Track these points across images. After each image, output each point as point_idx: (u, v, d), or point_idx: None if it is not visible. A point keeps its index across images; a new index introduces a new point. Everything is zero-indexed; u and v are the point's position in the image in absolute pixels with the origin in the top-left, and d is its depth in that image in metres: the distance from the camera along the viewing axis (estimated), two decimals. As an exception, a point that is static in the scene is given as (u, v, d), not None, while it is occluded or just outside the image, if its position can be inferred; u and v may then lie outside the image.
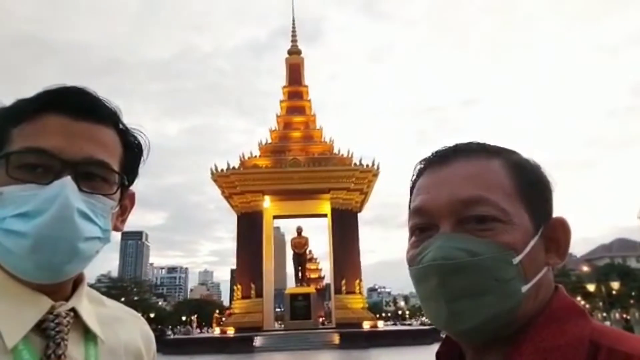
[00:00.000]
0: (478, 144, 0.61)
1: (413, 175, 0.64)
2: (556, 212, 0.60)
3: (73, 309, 0.66)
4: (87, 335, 0.67)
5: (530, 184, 0.58)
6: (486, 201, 0.56)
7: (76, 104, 0.65)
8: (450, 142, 0.63)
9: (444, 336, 0.63)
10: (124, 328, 0.74)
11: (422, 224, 0.59)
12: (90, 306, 0.71)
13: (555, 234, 0.58)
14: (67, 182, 0.61)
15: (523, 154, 0.62)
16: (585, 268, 40.19)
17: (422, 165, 0.63)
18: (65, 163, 0.62)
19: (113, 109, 0.69)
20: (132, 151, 0.72)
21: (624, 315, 45.11)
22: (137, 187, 0.76)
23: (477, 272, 0.53)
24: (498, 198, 0.56)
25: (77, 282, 0.70)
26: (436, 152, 0.62)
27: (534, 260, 0.55)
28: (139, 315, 0.82)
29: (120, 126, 0.70)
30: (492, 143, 0.62)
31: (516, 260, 0.54)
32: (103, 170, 0.65)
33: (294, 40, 34.02)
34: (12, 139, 0.64)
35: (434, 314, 0.56)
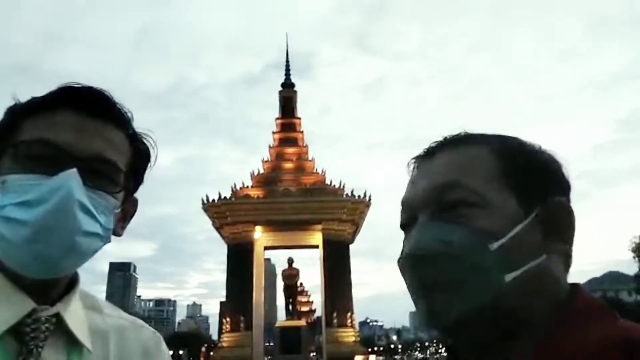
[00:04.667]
0: (466, 134, 0.59)
1: (408, 174, 0.61)
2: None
3: (57, 315, 0.62)
4: (74, 344, 0.64)
5: (520, 167, 0.54)
6: (462, 185, 0.53)
7: (90, 102, 0.65)
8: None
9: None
10: (122, 338, 0.71)
11: (406, 220, 0.57)
12: (83, 313, 0.68)
13: (554, 217, 0.53)
14: (72, 174, 0.60)
15: (519, 139, 0.58)
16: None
17: (413, 163, 0.61)
18: (73, 157, 0.62)
19: (126, 112, 0.69)
20: (140, 157, 0.71)
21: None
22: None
23: (451, 261, 0.50)
24: (477, 182, 0.53)
25: (71, 285, 0.67)
26: (426, 147, 0.60)
27: (523, 246, 0.50)
28: (143, 323, 0.77)
29: (131, 131, 0.70)
30: (485, 132, 0.60)
31: (494, 246, 0.49)
32: (110, 169, 0.65)
33: (287, 74, 34.55)
34: (23, 130, 0.64)
35: (417, 310, 0.53)
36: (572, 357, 0.45)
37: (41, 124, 0.64)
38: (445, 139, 0.59)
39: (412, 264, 0.52)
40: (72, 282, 0.69)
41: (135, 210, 0.74)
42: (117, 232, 0.71)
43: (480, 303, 0.49)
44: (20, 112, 0.66)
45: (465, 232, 0.50)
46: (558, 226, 0.53)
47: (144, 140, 0.73)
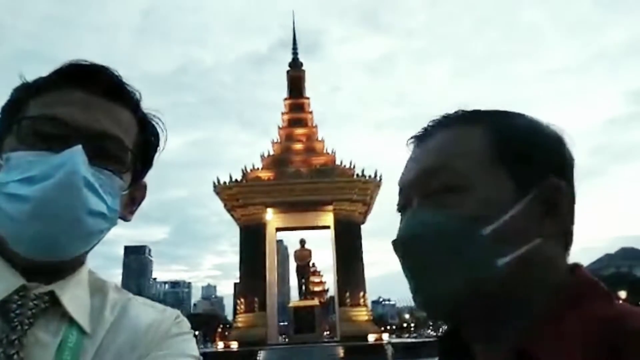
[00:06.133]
0: (462, 112, 0.57)
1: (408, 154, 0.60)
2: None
3: (52, 294, 0.60)
4: (70, 324, 0.61)
5: (516, 146, 0.52)
6: (450, 169, 0.52)
7: (97, 80, 0.64)
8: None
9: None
10: (122, 315, 0.67)
11: (402, 203, 0.57)
12: (88, 296, 0.65)
13: (551, 199, 0.50)
14: (77, 151, 0.59)
15: (518, 115, 0.56)
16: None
17: (412, 143, 0.59)
18: (79, 133, 0.60)
19: (134, 92, 0.67)
20: (149, 139, 0.69)
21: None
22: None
23: (435, 247, 0.49)
24: (466, 165, 0.51)
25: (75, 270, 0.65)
26: (423, 127, 0.58)
27: (517, 230, 0.49)
28: (156, 304, 0.74)
29: (139, 112, 0.68)
30: (482, 108, 0.58)
31: (486, 231, 0.48)
32: (116, 147, 0.63)
33: (294, 53, 34.23)
34: (30, 107, 0.63)
35: (412, 294, 0.53)
36: (557, 340, 0.44)
37: (47, 100, 0.62)
38: (442, 117, 0.57)
39: (400, 249, 0.52)
40: (80, 265, 0.66)
41: (144, 196, 0.72)
42: (125, 217, 0.69)
43: (471, 288, 0.48)
44: (27, 90, 0.65)
45: (453, 218, 0.49)
46: (555, 208, 0.50)
47: (153, 123, 0.70)
